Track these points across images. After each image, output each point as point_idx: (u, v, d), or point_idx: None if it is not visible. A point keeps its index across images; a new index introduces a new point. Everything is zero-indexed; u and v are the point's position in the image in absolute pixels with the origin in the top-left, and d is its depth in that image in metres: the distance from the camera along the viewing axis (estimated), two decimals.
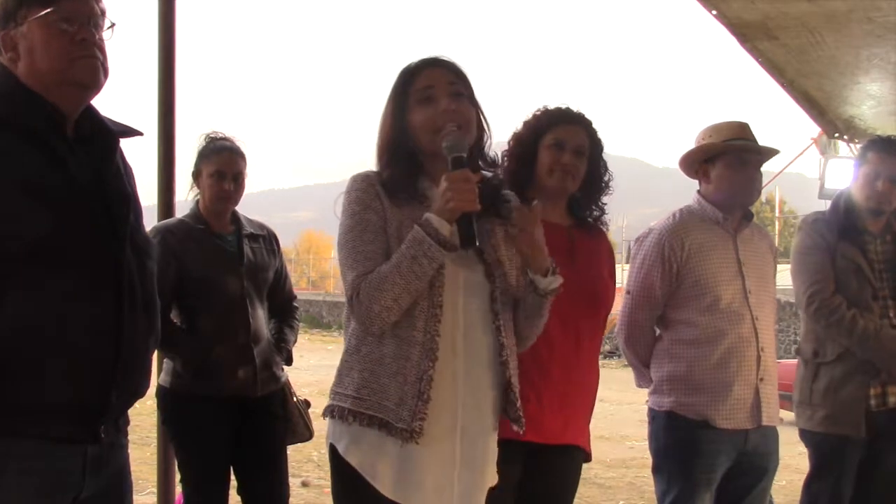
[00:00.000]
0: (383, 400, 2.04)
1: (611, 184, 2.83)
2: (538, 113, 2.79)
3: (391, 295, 2.00)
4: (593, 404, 2.84)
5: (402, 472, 2.05)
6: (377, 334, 2.06)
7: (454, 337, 2.09)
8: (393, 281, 2.00)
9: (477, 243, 2.06)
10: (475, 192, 2.02)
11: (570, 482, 2.76)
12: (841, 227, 3.44)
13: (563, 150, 2.69)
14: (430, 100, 2.14)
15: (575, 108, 2.80)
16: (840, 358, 3.38)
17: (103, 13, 1.94)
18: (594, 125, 2.79)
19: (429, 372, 2.04)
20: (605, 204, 2.83)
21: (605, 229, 2.88)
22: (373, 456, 2.07)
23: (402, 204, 2.11)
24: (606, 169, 2.81)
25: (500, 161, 2.30)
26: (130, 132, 2.05)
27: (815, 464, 3.48)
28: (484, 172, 2.19)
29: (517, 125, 2.82)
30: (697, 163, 3.18)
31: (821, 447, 3.44)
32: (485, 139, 2.23)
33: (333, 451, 2.12)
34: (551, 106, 2.81)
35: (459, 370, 2.09)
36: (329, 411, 2.12)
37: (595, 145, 2.77)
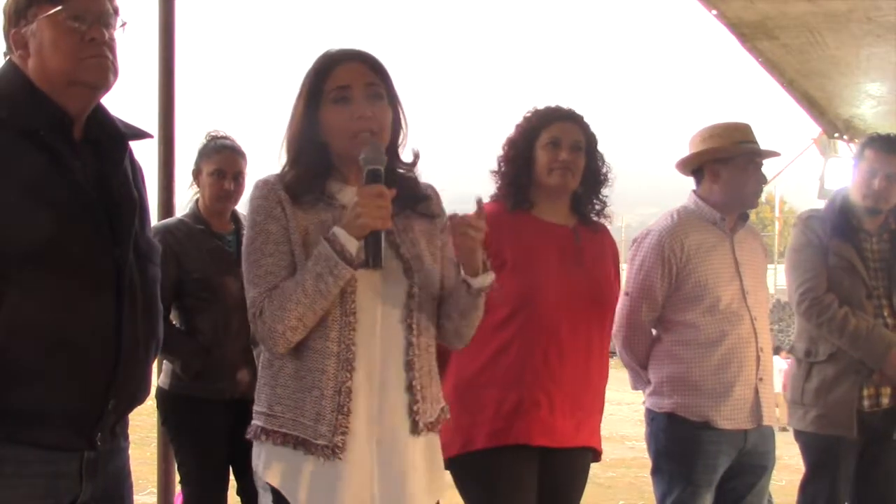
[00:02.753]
0: (299, 416, 1.95)
1: (609, 175, 2.81)
2: (529, 114, 2.78)
3: (295, 314, 1.90)
4: (604, 402, 2.83)
5: (321, 490, 1.95)
6: (282, 353, 1.96)
7: (370, 343, 1.98)
8: (297, 300, 1.90)
9: (382, 265, 1.94)
10: (388, 208, 1.92)
11: (579, 483, 2.77)
12: (835, 225, 3.43)
13: (560, 148, 2.69)
14: (345, 101, 2.00)
15: (565, 106, 2.79)
16: (832, 357, 3.36)
17: (116, 12, 1.91)
18: (585, 119, 2.78)
19: (347, 383, 1.94)
20: (607, 196, 2.82)
21: (608, 223, 2.86)
22: (290, 475, 1.97)
23: (308, 207, 1.99)
24: (604, 161, 2.80)
25: (418, 157, 2.14)
26: (141, 135, 2.03)
27: (809, 465, 3.47)
28: (399, 171, 2.10)
29: (509, 129, 2.80)
30: (704, 163, 3.14)
31: (813, 447, 3.42)
32: (400, 138, 2.11)
33: (257, 470, 2.04)
34: (540, 106, 2.80)
35: (375, 377, 1.98)
36: (252, 432, 2.04)
37: (590, 139, 2.76)
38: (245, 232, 2.04)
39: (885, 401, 3.34)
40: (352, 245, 1.90)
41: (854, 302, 3.34)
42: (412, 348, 2.02)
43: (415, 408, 2.02)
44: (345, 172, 2.06)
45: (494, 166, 2.80)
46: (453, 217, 2.02)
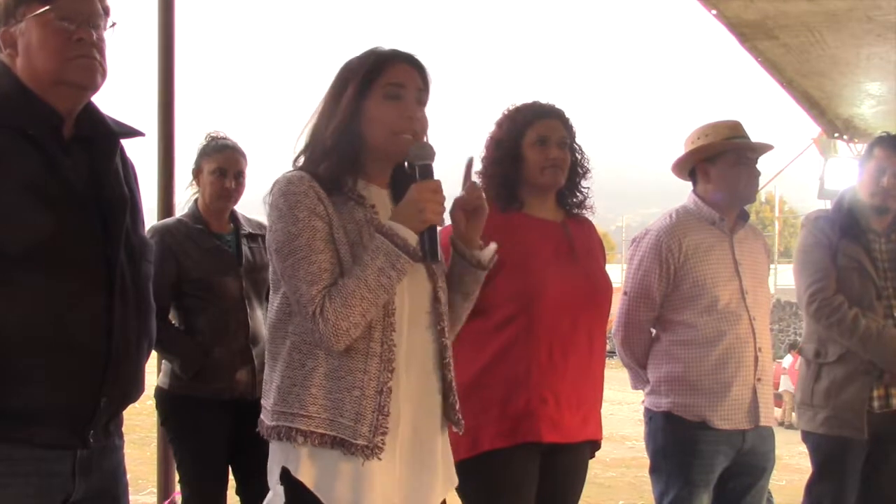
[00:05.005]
0: (337, 416, 1.93)
1: (588, 167, 2.80)
2: (511, 112, 2.76)
3: (359, 310, 1.89)
4: (603, 391, 2.83)
5: (354, 489, 1.95)
6: (340, 351, 1.93)
7: (407, 343, 2.00)
8: (361, 296, 1.89)
9: (439, 259, 2.00)
10: (444, 204, 1.96)
11: (581, 476, 2.77)
12: (844, 226, 3.41)
13: (549, 146, 2.68)
14: (397, 98, 2.01)
15: (544, 101, 2.78)
16: (842, 358, 3.34)
17: (106, 12, 1.91)
18: (566, 113, 2.77)
19: (388, 384, 1.94)
20: (587, 188, 2.81)
21: (591, 215, 2.85)
22: (328, 476, 1.95)
23: (341, 205, 1.98)
24: (583, 153, 2.79)
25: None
26: (132, 133, 2.02)
27: (816, 466, 3.45)
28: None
29: (490, 128, 2.77)
30: (695, 163, 3.16)
31: (822, 449, 3.40)
32: None
33: (286, 474, 1.98)
34: (519, 103, 2.77)
35: (412, 377, 2.01)
36: (276, 433, 1.98)
37: (571, 133, 2.76)
38: (280, 226, 1.95)
39: (895, 402, 3.33)
40: (412, 239, 1.92)
41: (864, 303, 3.33)
42: (446, 350, 2.08)
43: (452, 407, 2.09)
44: (371, 170, 2.06)
45: (478, 167, 2.78)
46: (473, 188, 2.07)
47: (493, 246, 2.12)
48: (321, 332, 1.90)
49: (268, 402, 2.02)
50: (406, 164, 2.03)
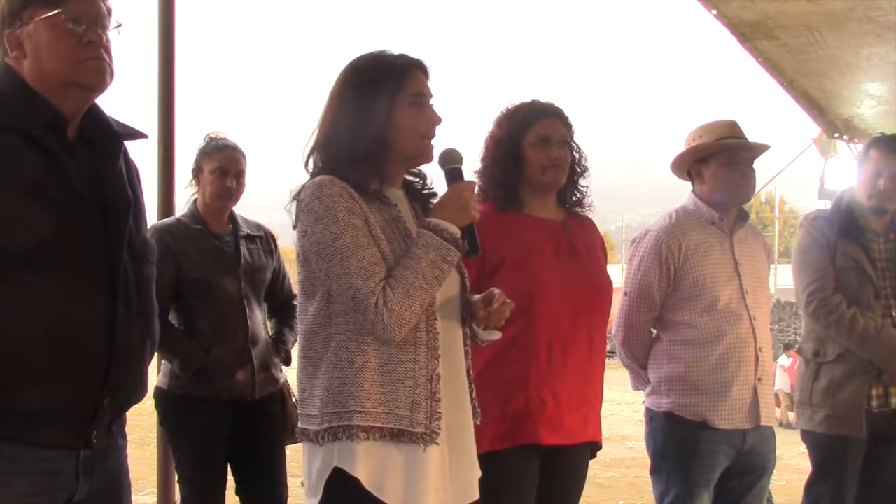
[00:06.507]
0: (394, 409, 2.00)
1: (587, 165, 2.80)
2: (509, 112, 2.76)
3: (420, 300, 1.99)
4: (603, 391, 2.83)
5: (410, 479, 2.01)
6: (395, 341, 2.00)
7: (446, 331, 2.11)
8: (420, 286, 1.99)
9: (479, 251, 2.13)
10: (477, 201, 2.11)
11: (581, 478, 2.77)
12: (842, 225, 3.42)
13: (550, 145, 2.68)
14: (421, 105, 2.13)
15: (543, 99, 2.78)
16: (840, 358, 3.34)
17: (110, 12, 1.92)
18: (565, 112, 2.77)
19: (437, 370, 2.04)
20: (586, 187, 2.81)
21: (591, 213, 2.86)
22: (381, 469, 2.00)
23: (370, 205, 2.06)
24: (581, 152, 2.79)
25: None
26: (135, 135, 2.03)
27: (815, 465, 3.45)
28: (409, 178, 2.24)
29: (489, 127, 2.78)
30: (690, 164, 3.17)
31: (821, 448, 3.40)
32: None
33: (338, 474, 2.00)
34: (518, 102, 2.77)
35: (451, 364, 2.12)
36: (330, 434, 2.00)
37: (570, 132, 2.76)
38: (318, 228, 2.00)
39: (895, 401, 3.32)
40: (458, 233, 2.06)
41: (862, 302, 3.33)
42: (467, 338, 2.21)
43: (474, 395, 2.21)
44: (392, 174, 2.16)
45: (478, 166, 2.77)
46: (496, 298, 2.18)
47: (496, 335, 2.27)
48: (385, 322, 1.97)
49: (311, 408, 2.05)
50: (440, 166, 2.17)
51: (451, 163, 2.14)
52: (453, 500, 2.09)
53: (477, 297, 2.22)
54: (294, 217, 2.07)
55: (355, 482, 1.99)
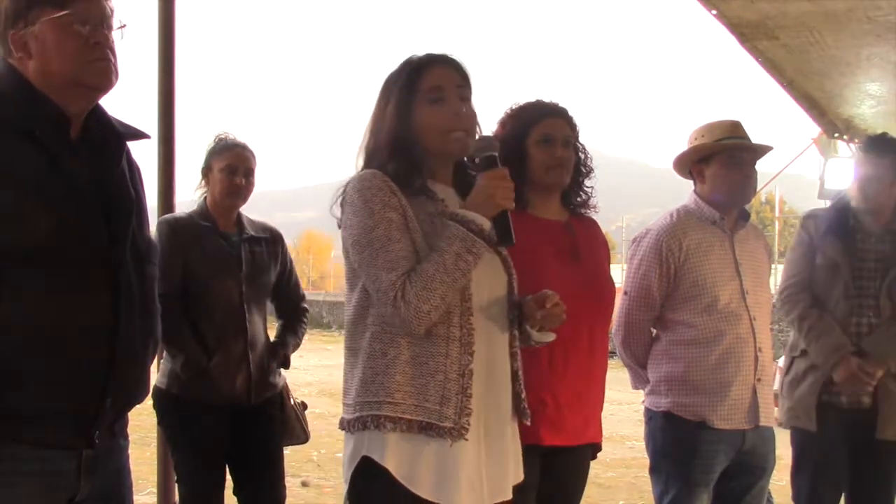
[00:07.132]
0: (422, 402, 2.01)
1: (591, 165, 2.80)
2: (513, 111, 2.75)
3: (440, 293, 1.99)
4: (604, 393, 2.83)
5: (441, 472, 2.02)
6: (420, 334, 2.02)
7: (484, 327, 2.10)
8: (440, 279, 1.99)
9: (513, 242, 2.10)
10: (513, 189, 2.08)
11: (582, 481, 2.77)
12: (830, 224, 3.46)
13: (554, 145, 2.68)
14: (440, 101, 2.13)
15: (547, 99, 2.78)
16: (804, 353, 3.44)
17: (113, 13, 1.93)
18: (569, 112, 2.77)
19: (469, 366, 2.04)
20: (591, 187, 2.81)
21: (595, 214, 2.86)
22: (411, 460, 2.02)
23: (413, 198, 2.09)
24: (586, 152, 2.79)
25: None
26: (138, 135, 2.04)
27: (792, 456, 3.53)
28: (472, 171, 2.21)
29: (493, 127, 2.76)
30: (691, 163, 3.17)
31: (794, 440, 3.50)
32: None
33: (366, 462, 2.04)
34: (522, 102, 2.77)
35: (488, 361, 2.11)
36: (360, 423, 2.05)
37: (574, 131, 2.75)
38: (355, 220, 2.06)
39: (867, 399, 3.35)
40: (486, 224, 2.04)
41: (830, 302, 3.37)
42: (515, 340, 2.20)
43: (518, 396, 2.19)
44: (434, 169, 2.17)
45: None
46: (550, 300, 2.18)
47: (551, 336, 2.26)
48: (403, 315, 1.99)
49: (348, 397, 2.10)
50: (467, 159, 2.16)
51: (483, 151, 2.11)
52: (489, 497, 2.09)
53: (529, 297, 2.21)
54: (340, 210, 2.13)
55: (384, 472, 2.02)
